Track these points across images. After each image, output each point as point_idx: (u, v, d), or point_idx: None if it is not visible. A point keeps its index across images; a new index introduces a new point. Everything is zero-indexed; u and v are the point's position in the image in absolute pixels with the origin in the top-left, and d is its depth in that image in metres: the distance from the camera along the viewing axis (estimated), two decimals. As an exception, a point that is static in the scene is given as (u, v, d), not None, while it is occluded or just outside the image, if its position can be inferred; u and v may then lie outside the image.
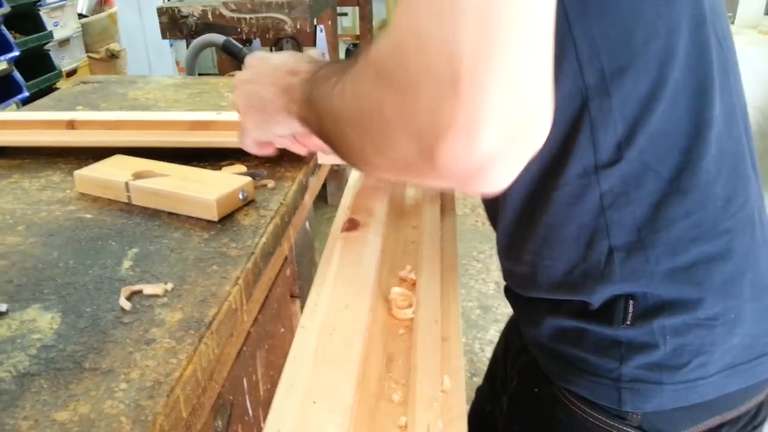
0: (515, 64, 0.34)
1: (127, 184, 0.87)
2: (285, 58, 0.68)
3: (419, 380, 0.49)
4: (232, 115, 1.07)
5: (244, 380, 0.82)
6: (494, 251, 2.50)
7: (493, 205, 0.68)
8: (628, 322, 0.58)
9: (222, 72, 2.87)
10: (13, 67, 2.92)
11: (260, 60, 0.72)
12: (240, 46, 1.77)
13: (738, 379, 0.60)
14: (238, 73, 0.74)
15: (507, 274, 0.72)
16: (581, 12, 0.52)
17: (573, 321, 0.62)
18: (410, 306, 0.59)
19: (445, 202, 0.79)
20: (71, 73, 3.49)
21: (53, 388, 0.54)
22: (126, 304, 0.65)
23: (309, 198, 1.06)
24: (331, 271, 0.60)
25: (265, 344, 0.91)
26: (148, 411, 0.51)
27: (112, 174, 0.89)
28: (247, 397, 0.83)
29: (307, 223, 1.23)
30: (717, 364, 0.59)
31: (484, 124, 0.34)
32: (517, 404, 0.73)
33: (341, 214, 0.73)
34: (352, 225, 0.67)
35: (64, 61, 3.48)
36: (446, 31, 0.34)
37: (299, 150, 0.78)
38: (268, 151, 0.79)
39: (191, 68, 1.89)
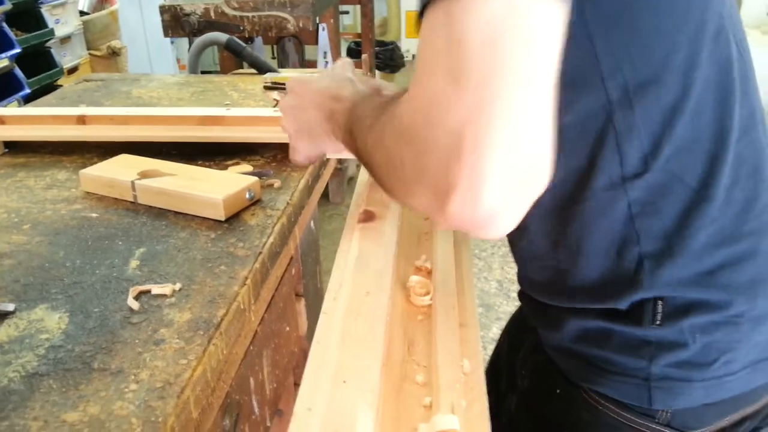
0: (512, 130, 0.38)
1: (133, 183, 0.87)
2: (327, 82, 0.73)
3: (441, 363, 0.50)
4: (241, 111, 1.07)
5: (251, 380, 0.82)
6: (495, 249, 2.49)
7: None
8: (658, 323, 0.59)
9: (224, 70, 2.87)
10: (15, 65, 2.91)
11: (302, 85, 0.77)
12: (243, 44, 1.76)
13: (763, 374, 0.62)
14: (282, 98, 0.80)
15: (526, 281, 0.72)
16: (603, 28, 0.53)
17: (599, 322, 0.62)
18: (428, 293, 0.60)
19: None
20: (72, 71, 3.48)
21: (62, 388, 0.54)
22: (134, 304, 0.64)
23: (314, 197, 1.06)
24: (350, 260, 0.61)
25: (272, 343, 0.91)
26: (158, 412, 0.51)
27: (117, 173, 0.89)
28: (253, 396, 0.83)
29: (312, 222, 1.23)
30: (743, 360, 0.60)
31: (485, 185, 0.39)
32: (530, 404, 0.73)
33: (355, 206, 0.73)
34: (368, 216, 0.68)
35: (66, 59, 3.47)
36: (451, 102, 0.39)
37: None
38: (314, 161, 0.85)
39: (194, 66, 1.89)
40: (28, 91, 2.93)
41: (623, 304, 0.60)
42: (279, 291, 0.93)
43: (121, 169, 0.90)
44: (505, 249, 2.48)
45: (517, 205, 0.41)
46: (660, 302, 0.59)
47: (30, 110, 1.12)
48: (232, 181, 0.85)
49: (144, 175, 0.88)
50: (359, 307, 0.52)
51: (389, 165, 0.48)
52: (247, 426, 0.80)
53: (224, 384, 0.67)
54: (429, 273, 0.64)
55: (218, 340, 0.61)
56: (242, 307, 0.67)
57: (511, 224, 0.42)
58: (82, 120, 1.07)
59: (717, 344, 0.59)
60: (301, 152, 0.81)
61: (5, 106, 2.74)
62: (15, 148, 1.09)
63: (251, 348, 0.80)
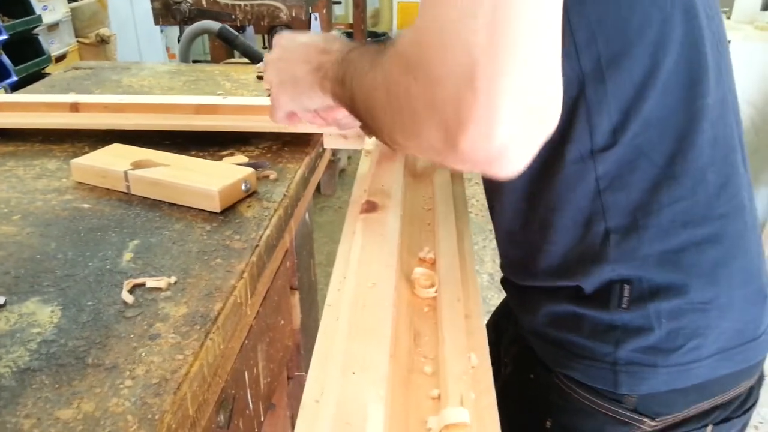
0: (526, 58, 0.37)
1: (126, 173, 0.85)
2: (313, 36, 0.72)
3: (448, 355, 0.49)
4: (237, 100, 1.05)
5: (246, 374, 0.81)
6: (487, 242, 2.49)
7: (494, 192, 0.69)
8: (624, 306, 0.60)
9: (215, 59, 2.84)
10: (2, 51, 2.86)
11: (289, 39, 0.75)
12: (236, 33, 1.74)
13: (729, 363, 0.61)
14: (267, 53, 0.77)
15: (505, 262, 0.73)
16: (577, 1, 0.53)
17: (569, 306, 0.63)
18: (432, 285, 0.59)
19: (456, 185, 0.78)
20: (60, 58, 3.44)
21: (55, 384, 0.52)
22: (129, 298, 0.63)
23: (309, 189, 1.04)
24: (354, 252, 0.60)
25: (266, 337, 0.90)
26: (155, 409, 0.50)
27: (110, 163, 0.87)
28: (248, 390, 0.82)
29: (307, 215, 1.21)
30: (710, 347, 0.60)
31: (500, 115, 0.38)
32: (511, 389, 0.74)
33: (356, 197, 0.72)
34: (370, 207, 0.67)
35: (54, 46, 3.42)
36: (462, 30, 0.38)
37: (320, 124, 0.80)
38: (294, 124, 0.81)
39: (185, 55, 1.86)
40: (15, 78, 2.88)
41: (590, 283, 0.61)
42: (274, 284, 0.92)
43: (114, 159, 0.88)
44: (497, 242, 2.49)
45: (530, 141, 0.40)
46: (627, 286, 0.59)
47: (21, 97, 1.10)
48: (228, 172, 0.84)
49: (137, 165, 0.86)
50: (365, 298, 0.51)
51: (393, 105, 0.46)
52: (240, 421, 0.79)
53: (220, 379, 0.66)
54: (432, 264, 0.63)
55: (215, 335, 0.59)
56: (239, 300, 0.66)
57: (523, 162, 0.41)
58: (75, 108, 1.05)
59: (683, 330, 0.59)
60: (281, 107, 0.77)
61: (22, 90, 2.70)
62: (4, 136, 1.06)
63: (247, 342, 0.79)
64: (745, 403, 0.66)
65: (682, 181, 0.58)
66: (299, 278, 1.12)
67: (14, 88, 2.78)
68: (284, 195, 0.86)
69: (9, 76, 2.87)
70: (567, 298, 0.64)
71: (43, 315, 0.61)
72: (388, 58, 0.47)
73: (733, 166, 0.61)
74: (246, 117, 1.01)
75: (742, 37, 2.40)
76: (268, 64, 0.77)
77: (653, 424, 0.62)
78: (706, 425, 0.63)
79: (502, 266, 0.75)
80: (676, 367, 0.60)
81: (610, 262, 0.60)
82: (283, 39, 0.75)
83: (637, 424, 0.63)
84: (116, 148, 0.93)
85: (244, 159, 0.94)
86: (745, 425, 0.67)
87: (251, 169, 0.85)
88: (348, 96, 0.59)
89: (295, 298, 1.09)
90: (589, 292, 0.62)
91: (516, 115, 0.38)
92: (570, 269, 0.62)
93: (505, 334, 0.80)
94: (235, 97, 1.05)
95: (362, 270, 0.55)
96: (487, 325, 0.87)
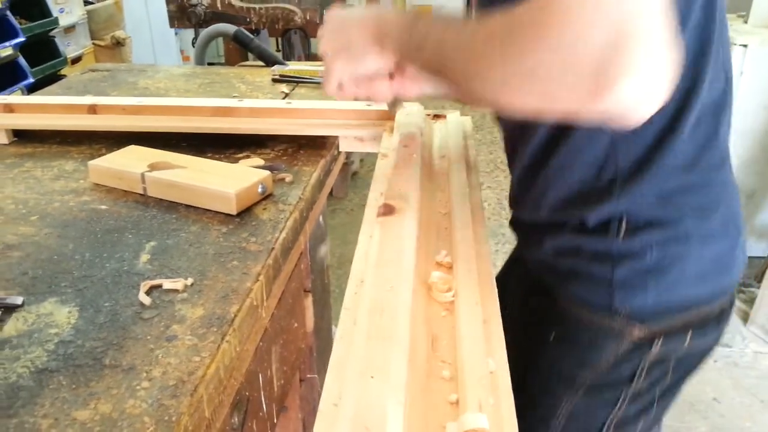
0: (664, 18, 0.43)
1: (142, 175, 0.85)
2: (366, 8, 0.75)
3: (466, 360, 0.49)
4: (252, 102, 1.05)
5: (260, 376, 0.81)
6: (500, 246, 2.46)
7: (520, 138, 0.75)
8: (621, 237, 0.69)
9: (230, 62, 2.85)
10: (19, 54, 2.89)
11: (341, 12, 0.76)
12: (251, 36, 1.74)
13: (707, 286, 0.72)
14: (321, 29, 0.78)
15: (518, 201, 0.80)
16: None
17: (572, 238, 0.73)
18: (450, 290, 0.59)
19: (473, 190, 0.78)
20: (76, 60, 3.47)
21: (73, 385, 0.53)
22: (146, 300, 0.63)
23: (324, 192, 1.04)
24: (372, 255, 0.59)
25: (280, 339, 0.90)
26: (172, 411, 0.50)
27: (127, 165, 0.88)
28: (262, 392, 0.82)
29: (321, 217, 1.21)
30: (691, 271, 0.70)
31: (645, 71, 0.43)
32: (516, 320, 0.80)
33: (373, 200, 0.72)
34: (387, 210, 0.66)
35: (70, 48, 3.45)
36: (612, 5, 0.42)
37: (362, 96, 0.80)
38: (346, 97, 0.80)
39: (201, 58, 1.87)
40: (31, 80, 2.91)
41: (593, 218, 0.70)
42: (288, 287, 0.92)
43: (131, 161, 0.89)
44: (509, 246, 2.46)
45: (663, 95, 0.45)
46: (623, 220, 0.69)
47: (40, 99, 1.11)
48: (244, 175, 0.84)
49: (154, 167, 0.87)
50: (383, 302, 0.51)
51: (522, 70, 0.47)
52: (254, 423, 0.79)
53: (235, 381, 0.66)
54: (450, 268, 0.63)
55: (231, 337, 0.59)
56: (255, 303, 0.66)
57: (652, 112, 0.46)
58: (93, 110, 1.06)
59: (669, 256, 0.69)
60: (334, 75, 0.75)
61: (8, 95, 2.72)
62: (23, 137, 1.07)
63: (261, 344, 0.79)
64: (719, 322, 0.75)
65: (681, 132, 0.65)
66: (313, 281, 1.12)
67: (31, 89, 2.81)
68: (300, 198, 0.86)
69: (26, 77, 2.89)
70: (571, 231, 0.73)
71: (60, 315, 0.62)
72: (505, 20, 0.49)
73: (719, 122, 0.68)
74: (262, 119, 1.01)
75: (760, 42, 2.38)
76: (322, 37, 0.77)
77: (639, 333, 0.72)
78: (687, 332, 0.73)
79: (513, 205, 0.83)
80: (663, 286, 0.70)
81: (613, 200, 0.68)
82: (335, 12, 0.77)
83: (627, 334, 0.72)
84: (133, 150, 0.93)
85: (260, 161, 0.95)
86: (718, 338, 0.77)
87: (267, 172, 0.85)
88: (422, 57, 0.62)
89: (309, 301, 1.08)
90: (591, 225, 0.70)
91: (657, 71, 0.43)
92: (578, 205, 0.71)
93: (508, 284, 0.86)
94: (251, 100, 1.05)
95: (380, 273, 0.55)
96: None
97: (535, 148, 0.72)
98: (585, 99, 0.45)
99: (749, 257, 2.56)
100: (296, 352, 1.01)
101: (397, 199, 0.67)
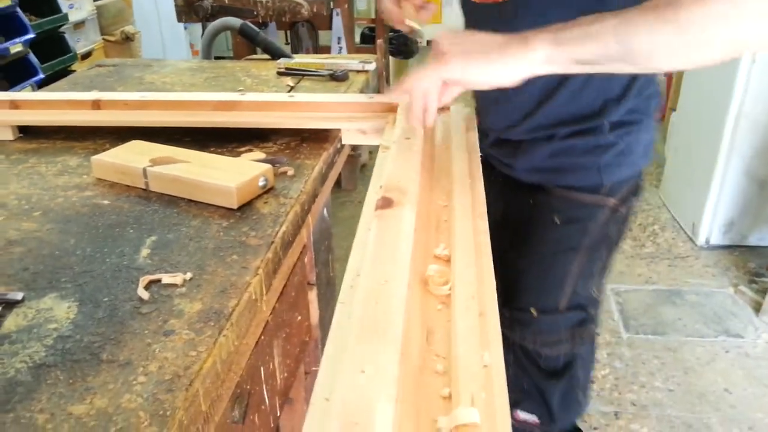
0: None
1: (144, 170, 0.85)
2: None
3: (460, 354, 0.48)
4: (256, 96, 1.05)
5: (262, 369, 0.81)
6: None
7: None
8: (605, 133, 0.97)
9: (237, 55, 2.85)
10: (29, 50, 2.91)
11: (458, 32, 0.79)
12: (257, 29, 1.74)
13: (642, 162, 1.03)
14: (437, 43, 0.78)
15: (511, 126, 1.01)
16: None
17: (567, 141, 0.98)
18: (446, 283, 0.58)
19: (475, 182, 0.77)
20: (86, 56, 3.48)
21: (70, 380, 0.53)
22: (144, 294, 0.63)
23: (327, 185, 1.04)
24: (368, 249, 0.59)
25: (282, 333, 0.90)
26: (167, 405, 0.50)
27: (129, 160, 0.88)
28: (264, 386, 0.82)
29: (325, 210, 1.21)
30: (638, 152, 1.01)
31: None
32: (513, 219, 1.08)
33: (373, 193, 0.72)
34: (386, 203, 0.66)
35: (80, 44, 3.46)
36: None
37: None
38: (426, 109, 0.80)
39: (207, 52, 1.87)
40: (42, 76, 2.92)
41: (586, 126, 0.96)
42: (291, 280, 0.92)
43: (133, 156, 0.89)
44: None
45: None
46: (606, 123, 0.96)
47: (44, 95, 1.12)
48: (245, 169, 0.84)
49: (156, 162, 0.87)
50: (377, 295, 0.51)
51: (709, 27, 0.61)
52: (256, 415, 0.79)
53: (234, 375, 0.66)
54: (448, 261, 0.62)
55: (229, 332, 0.59)
56: (254, 297, 0.66)
57: None
58: (96, 105, 1.06)
59: (632, 144, 0.99)
60: (473, 70, 0.73)
61: (19, 91, 2.74)
62: (28, 133, 1.08)
63: (262, 338, 0.79)
64: (642, 188, 1.07)
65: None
66: (317, 274, 1.12)
67: (41, 85, 2.82)
68: (301, 191, 0.86)
69: (36, 73, 2.91)
70: (564, 138, 0.98)
71: (60, 311, 0.62)
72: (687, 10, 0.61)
73: None
74: (264, 113, 1.01)
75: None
76: (440, 43, 0.76)
77: (613, 200, 1.02)
78: (633, 196, 1.05)
79: (500, 129, 1.03)
80: (626, 163, 1.00)
81: (602, 116, 0.95)
82: (455, 31, 0.79)
83: (607, 204, 1.02)
84: (136, 145, 0.94)
85: (262, 155, 0.94)
86: (639, 203, 1.08)
87: (268, 166, 0.85)
88: (601, 48, 0.67)
89: (313, 294, 1.08)
90: (582, 129, 0.96)
91: None
92: (574, 122, 0.96)
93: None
94: (253, 94, 1.05)
95: (375, 267, 0.54)
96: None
97: (539, 91, 0.95)
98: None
99: (762, 247, 2.53)
100: (300, 345, 1.02)
101: (396, 192, 0.67)
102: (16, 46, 2.79)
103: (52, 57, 3.11)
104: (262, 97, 1.03)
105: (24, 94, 1.13)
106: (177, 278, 0.66)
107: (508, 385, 1.19)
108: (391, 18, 1.00)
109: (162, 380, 0.53)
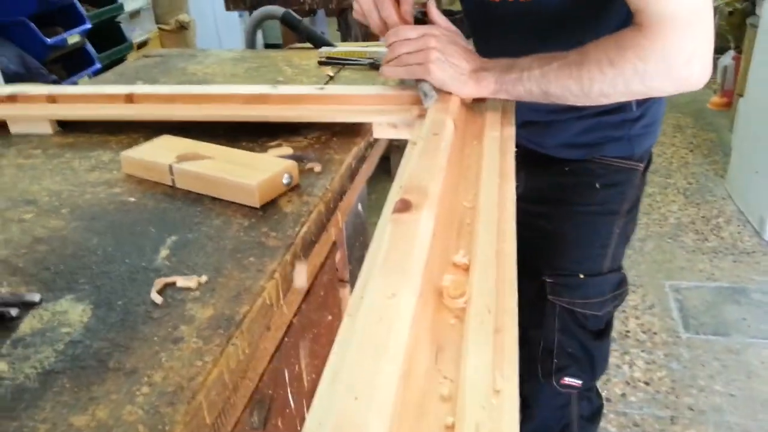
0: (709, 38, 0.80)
1: (170, 167, 0.84)
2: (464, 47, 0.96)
3: (469, 376, 0.44)
4: (287, 89, 1.03)
5: (286, 372, 0.79)
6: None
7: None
8: (634, 110, 1.05)
9: (286, 44, 2.85)
10: (86, 40, 2.98)
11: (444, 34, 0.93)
12: (299, 18, 1.72)
13: (659, 130, 1.14)
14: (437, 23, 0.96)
15: (539, 107, 0.98)
16: None
17: (597, 119, 1.05)
18: (463, 295, 0.54)
19: (505, 183, 0.72)
20: (142, 45, 3.55)
21: (75, 388, 0.52)
22: (157, 299, 0.62)
23: (360, 180, 1.01)
24: (380, 256, 0.56)
25: (310, 334, 0.88)
26: (167, 419, 0.48)
27: (157, 156, 0.87)
28: (288, 389, 0.80)
29: (359, 205, 1.19)
30: (658, 121, 1.12)
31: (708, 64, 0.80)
32: (554, 187, 1.15)
33: (393, 195, 0.68)
34: (404, 206, 0.62)
35: (135, 33, 3.54)
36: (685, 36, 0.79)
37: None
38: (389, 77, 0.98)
39: (251, 41, 1.86)
40: (98, 66, 3.00)
41: (614, 104, 0.97)
42: (319, 279, 0.90)
43: (162, 152, 0.88)
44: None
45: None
46: (634, 100, 1.02)
47: (80, 89, 1.12)
48: (269, 166, 0.81)
49: (182, 158, 0.86)
50: (382, 311, 0.47)
51: (621, 80, 0.81)
52: (280, 420, 0.78)
53: (250, 381, 0.64)
54: (466, 270, 0.59)
55: (238, 340, 0.58)
56: (269, 302, 0.64)
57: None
58: (129, 99, 1.06)
59: (653, 114, 1.08)
60: (438, 72, 0.90)
61: (76, 81, 2.82)
62: (67, 127, 1.09)
63: (286, 340, 0.78)
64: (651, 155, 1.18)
65: None
66: (351, 271, 1.10)
67: (97, 75, 2.89)
68: (327, 189, 0.83)
69: (93, 63, 2.99)
70: (593, 116, 1.05)
71: (74, 314, 0.61)
72: (618, 48, 0.81)
73: None
74: (294, 106, 0.99)
75: None
76: (430, 34, 0.91)
77: (642, 165, 1.11)
78: (650, 162, 1.15)
79: (530, 111, 1.04)
80: (650, 133, 1.10)
81: None
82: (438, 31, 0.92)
83: (638, 168, 1.11)
84: (165, 140, 0.93)
85: (289, 150, 0.92)
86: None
87: (292, 162, 0.82)
88: (535, 87, 0.86)
89: (345, 292, 1.06)
90: (610, 108, 0.99)
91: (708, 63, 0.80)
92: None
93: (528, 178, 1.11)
94: (285, 86, 1.03)
95: (384, 278, 0.51)
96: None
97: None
98: (680, 87, 0.81)
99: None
100: (330, 345, 0.99)
101: (416, 193, 0.63)
102: (73, 37, 2.87)
103: (109, 47, 3.19)
104: (292, 90, 1.01)
105: (60, 87, 1.14)
106: (192, 281, 0.64)
107: (553, 352, 1.33)
108: (366, 19, 0.98)
109: (165, 392, 0.51)
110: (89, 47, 2.99)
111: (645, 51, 0.78)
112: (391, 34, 0.93)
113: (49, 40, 2.70)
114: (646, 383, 1.85)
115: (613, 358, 1.96)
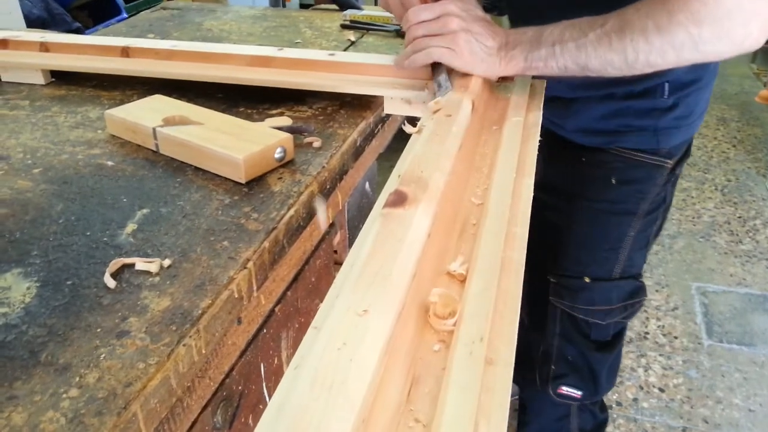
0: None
1: (154, 130, 0.77)
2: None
3: (445, 422, 0.36)
4: (294, 53, 0.94)
5: (262, 366, 0.72)
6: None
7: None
8: (664, 97, 0.94)
9: (317, 3, 2.74)
10: (115, -11, 2.91)
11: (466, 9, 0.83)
12: (326, -23, 1.62)
13: (699, 122, 1.01)
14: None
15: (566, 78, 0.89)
16: None
17: (622, 103, 0.96)
18: (453, 315, 0.46)
19: (524, 178, 0.63)
20: (173, -3, 3.46)
21: (-4, 383, 0.45)
22: (110, 282, 0.55)
23: (368, 159, 0.92)
24: (359, 260, 0.47)
25: (295, 323, 0.80)
26: (90, 433, 0.41)
27: (142, 117, 0.79)
28: (264, 383, 0.73)
29: (367, 184, 1.10)
30: (696, 113, 0.99)
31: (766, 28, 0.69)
32: (568, 177, 1.05)
33: (391, 184, 0.59)
34: (398, 199, 0.53)
35: (167, -15, 3.45)
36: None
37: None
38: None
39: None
40: (125, 15, 2.92)
41: (642, 86, 0.93)
42: (311, 264, 0.82)
43: (149, 113, 0.81)
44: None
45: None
46: (667, 83, 0.93)
47: (75, 38, 1.05)
48: (261, 137, 0.73)
49: (168, 121, 0.78)
50: (348, 332, 0.39)
51: (670, 46, 0.71)
52: (251, 417, 0.71)
53: (211, 381, 0.57)
54: (463, 281, 0.50)
55: (194, 339, 0.50)
56: (237, 295, 0.56)
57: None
58: (125, 52, 0.98)
59: (690, 105, 0.97)
60: (462, 53, 0.80)
61: (101, 31, 2.74)
62: (60, 78, 1.02)
63: (264, 332, 0.70)
64: (691, 145, 1.07)
65: None
66: (351, 254, 1.02)
67: (124, 25, 2.82)
68: (323, 167, 0.75)
69: (120, 13, 2.91)
70: (619, 99, 0.96)
71: (17, 292, 0.54)
72: (670, 21, 0.70)
73: None
74: (300, 72, 0.90)
75: None
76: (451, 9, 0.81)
77: (671, 162, 1.00)
78: (684, 158, 1.04)
79: (555, 84, 0.93)
80: (685, 127, 0.98)
81: (665, 74, 0.91)
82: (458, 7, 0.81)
83: (666, 165, 1.00)
84: (156, 100, 0.85)
85: (288, 121, 0.84)
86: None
87: (287, 135, 0.74)
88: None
89: (343, 277, 0.98)
90: (638, 91, 0.94)
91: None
92: (627, 81, 0.86)
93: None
94: (292, 50, 0.94)
95: (358, 289, 0.43)
96: None
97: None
98: (736, 50, 0.70)
99: None
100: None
101: (414, 184, 0.54)
102: (100, -15, 2.79)
103: (137, -4, 3.11)
104: (300, 54, 0.92)
105: (55, 36, 1.06)
106: (152, 265, 0.57)
107: (553, 357, 1.14)
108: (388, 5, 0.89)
109: (95, 397, 0.44)
110: (116, -4, 2.92)
111: (699, 14, 0.68)
112: (407, 17, 0.82)
113: (75, -15, 2.64)
114: (661, 390, 1.76)
115: (628, 360, 1.86)
